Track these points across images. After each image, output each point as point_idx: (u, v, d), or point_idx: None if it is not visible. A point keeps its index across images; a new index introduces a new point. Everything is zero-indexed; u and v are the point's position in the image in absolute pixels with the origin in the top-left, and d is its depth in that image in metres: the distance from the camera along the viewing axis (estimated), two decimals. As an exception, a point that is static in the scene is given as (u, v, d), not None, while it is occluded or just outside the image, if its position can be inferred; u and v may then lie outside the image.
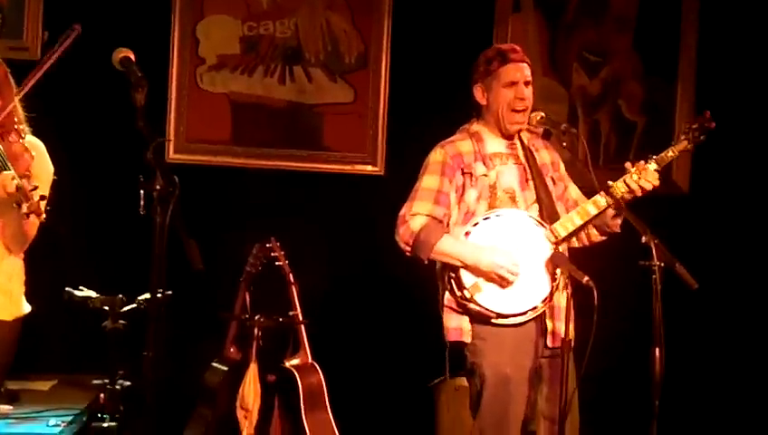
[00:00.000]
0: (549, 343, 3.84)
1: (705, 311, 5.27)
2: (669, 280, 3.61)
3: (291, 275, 4.72)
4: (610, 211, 3.85)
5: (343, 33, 5.52)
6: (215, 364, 4.75)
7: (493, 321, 3.81)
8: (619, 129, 5.71)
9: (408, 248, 3.86)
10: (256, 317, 4.60)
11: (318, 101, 5.51)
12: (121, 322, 4.05)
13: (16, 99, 3.44)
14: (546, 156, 4.06)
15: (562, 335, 3.68)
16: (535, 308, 3.80)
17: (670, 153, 3.87)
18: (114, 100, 3.57)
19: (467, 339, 3.85)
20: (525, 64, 3.94)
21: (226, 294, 4.81)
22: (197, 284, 5.00)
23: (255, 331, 4.58)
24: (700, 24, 5.64)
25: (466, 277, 3.81)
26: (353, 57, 5.52)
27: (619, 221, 3.92)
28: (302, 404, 4.55)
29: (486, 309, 3.79)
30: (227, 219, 5.25)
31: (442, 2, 5.51)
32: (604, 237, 4.03)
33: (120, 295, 4.09)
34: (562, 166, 4.10)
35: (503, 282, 3.77)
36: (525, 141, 4.01)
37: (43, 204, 3.22)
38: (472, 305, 3.81)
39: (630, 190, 3.79)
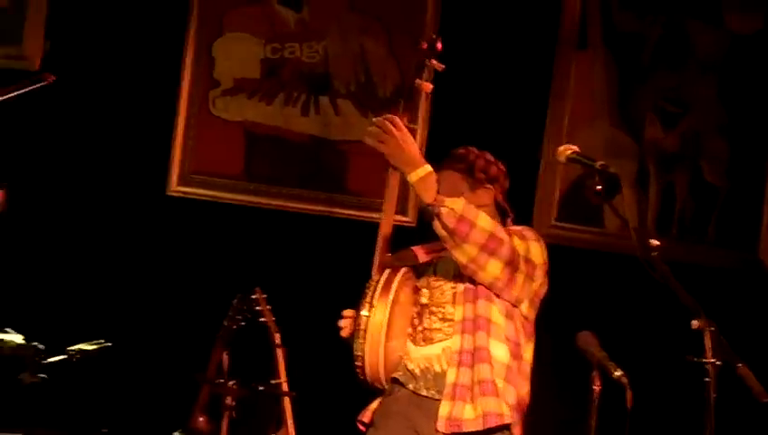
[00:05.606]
0: (442, 427, 2.88)
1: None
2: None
3: (277, 336, 4.07)
4: None
5: (379, 62, 4.86)
6: (177, 435, 4.16)
7: None
8: (697, 194, 4.86)
9: None
10: (230, 383, 3.96)
11: (344, 136, 4.84)
12: (41, 375, 3.36)
13: None
14: None
15: (463, 416, 2.82)
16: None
17: None
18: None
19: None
20: None
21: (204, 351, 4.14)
22: (166, 336, 4.41)
23: (228, 399, 3.95)
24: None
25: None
26: (389, 90, 4.86)
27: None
28: (277, 493, 3.94)
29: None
30: (225, 264, 4.66)
31: (495, 30, 4.81)
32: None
33: (36, 344, 3.40)
34: None
35: None
36: None
37: None
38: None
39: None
